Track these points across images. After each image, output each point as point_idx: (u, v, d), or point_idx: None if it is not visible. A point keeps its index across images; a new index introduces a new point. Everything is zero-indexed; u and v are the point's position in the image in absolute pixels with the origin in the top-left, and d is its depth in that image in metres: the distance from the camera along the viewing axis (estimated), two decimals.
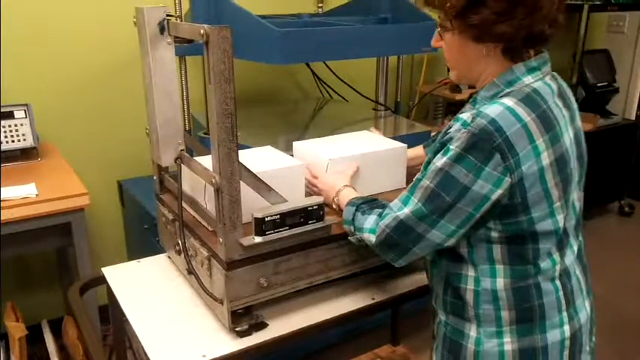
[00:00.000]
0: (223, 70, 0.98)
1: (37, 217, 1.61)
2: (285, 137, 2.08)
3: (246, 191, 1.10)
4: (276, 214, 1.10)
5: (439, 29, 1.07)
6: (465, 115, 0.98)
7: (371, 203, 1.17)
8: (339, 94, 2.80)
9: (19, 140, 1.89)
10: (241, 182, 1.07)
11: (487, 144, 0.94)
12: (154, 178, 1.41)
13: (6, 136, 1.87)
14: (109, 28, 2.24)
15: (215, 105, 1.00)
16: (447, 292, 1.12)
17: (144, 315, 1.24)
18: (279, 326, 1.21)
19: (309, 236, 1.16)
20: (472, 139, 0.95)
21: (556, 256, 1.07)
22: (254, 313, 1.20)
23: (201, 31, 0.97)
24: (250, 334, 1.17)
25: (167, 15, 1.12)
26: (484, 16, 0.97)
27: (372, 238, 1.09)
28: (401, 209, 1.04)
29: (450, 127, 1.00)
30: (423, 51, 2.35)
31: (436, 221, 1.01)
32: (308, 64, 2.71)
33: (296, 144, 1.50)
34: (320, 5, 2.77)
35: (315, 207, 1.14)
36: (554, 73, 1.09)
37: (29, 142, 1.91)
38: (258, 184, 1.11)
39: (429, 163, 1.04)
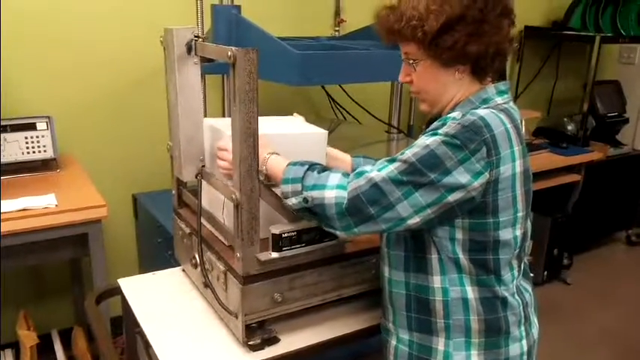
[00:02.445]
0: (248, 91, 1.02)
1: (56, 228, 1.64)
2: None
3: (263, 208, 1.13)
4: (293, 231, 1.13)
5: (410, 62, 1.10)
6: (453, 114, 1.03)
7: (322, 166, 1.12)
8: (352, 116, 2.84)
9: (39, 151, 1.94)
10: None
11: (477, 136, 0.98)
12: (173, 192, 1.44)
13: (27, 147, 1.92)
14: (130, 44, 2.31)
15: (239, 124, 1.04)
16: (410, 307, 1.12)
17: (158, 326, 1.27)
18: (291, 342, 1.23)
19: (323, 253, 1.19)
20: (463, 129, 0.99)
21: (515, 270, 1.11)
22: (267, 327, 1.22)
23: (229, 53, 1.02)
24: (263, 349, 1.19)
25: (195, 36, 1.17)
26: (456, 38, 1.02)
27: (338, 195, 1.02)
28: (376, 171, 1.02)
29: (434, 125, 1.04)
30: None
31: (410, 192, 1.00)
32: (323, 86, 2.76)
33: (205, 120, 1.31)
34: (337, 29, 2.83)
35: None
36: None
37: (49, 153, 1.95)
38: (276, 200, 1.14)
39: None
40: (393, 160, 1.03)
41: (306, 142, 1.28)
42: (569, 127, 3.65)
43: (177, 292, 1.42)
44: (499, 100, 1.09)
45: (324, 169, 1.10)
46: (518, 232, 1.08)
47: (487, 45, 1.03)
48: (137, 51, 2.32)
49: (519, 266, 1.14)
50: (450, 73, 1.08)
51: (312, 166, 1.10)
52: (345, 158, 1.38)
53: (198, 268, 1.28)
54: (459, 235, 1.05)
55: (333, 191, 1.03)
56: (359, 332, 1.30)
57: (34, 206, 1.65)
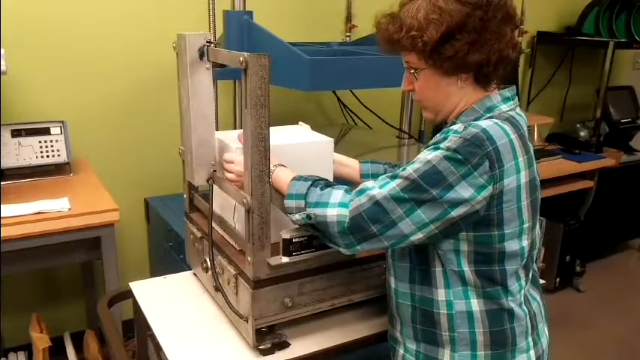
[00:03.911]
0: (260, 96, 1.03)
1: (69, 231, 1.66)
2: None
3: (273, 212, 1.14)
4: (304, 236, 1.13)
5: (412, 71, 1.08)
6: (455, 127, 1.02)
7: (326, 181, 1.12)
8: (363, 121, 2.85)
9: (53, 155, 1.96)
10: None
11: (479, 149, 0.97)
12: (184, 196, 1.45)
13: (42, 151, 1.94)
14: (143, 50, 2.33)
15: (250, 129, 1.04)
16: (416, 319, 1.11)
17: (169, 330, 1.28)
18: (301, 346, 1.23)
19: (333, 258, 1.19)
20: (465, 142, 0.97)
21: (522, 280, 1.09)
22: (277, 332, 1.23)
23: (241, 59, 1.02)
24: (273, 353, 1.20)
25: (207, 42, 1.18)
26: (457, 48, 1.01)
27: (340, 213, 1.02)
28: (378, 189, 1.01)
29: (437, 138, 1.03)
30: None
31: (412, 209, 0.99)
32: (334, 91, 2.76)
33: (216, 133, 1.32)
34: (348, 35, 2.84)
35: None
36: None
37: (63, 157, 1.98)
38: None
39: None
40: (394, 177, 1.02)
41: (313, 151, 1.28)
42: (582, 134, 3.63)
43: (189, 295, 1.43)
44: (504, 107, 1.07)
45: (328, 184, 1.09)
46: (525, 243, 1.06)
47: (489, 53, 1.02)
48: (150, 56, 2.34)
49: (527, 275, 1.12)
50: (452, 82, 1.06)
51: (315, 182, 1.09)
52: (352, 164, 1.37)
53: (209, 272, 1.29)
54: (463, 247, 1.04)
55: (335, 209, 1.03)
56: (368, 338, 1.30)
57: (48, 210, 1.67)
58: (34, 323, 2.02)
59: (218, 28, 2.09)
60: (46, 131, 1.95)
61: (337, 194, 1.05)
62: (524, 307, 1.10)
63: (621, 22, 3.63)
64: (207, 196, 1.29)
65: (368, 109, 2.77)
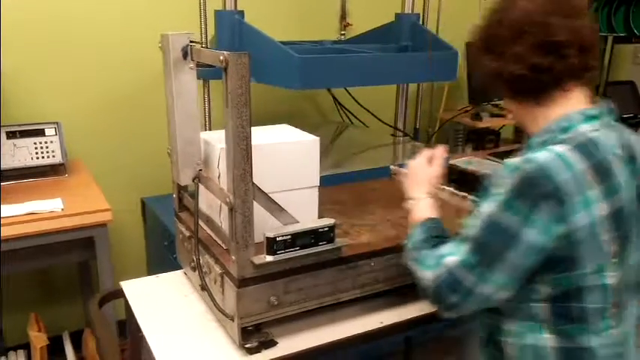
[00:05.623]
0: (240, 95, 1.03)
1: (61, 231, 1.67)
2: None
3: (259, 211, 1.14)
4: (287, 235, 1.13)
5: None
6: (513, 160, 0.97)
7: (441, 237, 1.11)
8: (359, 119, 2.84)
9: (48, 156, 1.97)
10: (255, 203, 1.11)
11: (535, 190, 0.92)
12: (174, 196, 1.46)
13: (37, 152, 1.96)
14: (137, 50, 2.34)
15: (231, 127, 1.05)
16: (488, 343, 1.10)
17: (158, 328, 1.28)
18: (288, 345, 1.23)
19: (319, 257, 1.19)
20: (520, 184, 0.93)
21: (611, 319, 1.00)
22: (264, 330, 1.23)
23: (221, 57, 1.03)
24: (259, 352, 1.20)
25: (191, 41, 1.18)
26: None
27: (426, 277, 1.05)
28: (451, 256, 1.01)
29: (495, 171, 1.00)
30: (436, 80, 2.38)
31: (484, 273, 0.97)
32: (329, 89, 2.76)
33: (201, 134, 1.32)
34: (342, 33, 2.83)
35: (325, 229, 1.17)
36: (619, 124, 1.07)
37: (58, 158, 1.99)
38: (271, 204, 1.14)
39: (485, 188, 1.02)
40: (464, 240, 1.01)
41: (298, 150, 1.27)
42: None
43: (178, 294, 1.44)
44: (584, 127, 0.99)
45: (440, 242, 1.08)
46: (610, 280, 0.97)
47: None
48: (144, 56, 2.35)
49: (623, 313, 1.02)
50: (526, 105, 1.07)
51: (430, 238, 1.10)
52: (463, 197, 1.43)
53: (197, 271, 1.30)
54: (543, 289, 0.98)
55: (425, 272, 1.05)
56: (357, 337, 1.30)
57: (40, 210, 1.68)
58: (32, 322, 2.04)
59: (210, 29, 2.10)
60: (40, 132, 1.97)
61: (431, 259, 1.05)
62: (618, 349, 1.02)
63: (620, 17, 3.60)
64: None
65: (363, 107, 2.77)
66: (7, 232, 1.60)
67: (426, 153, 1.33)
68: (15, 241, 1.61)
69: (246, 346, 1.19)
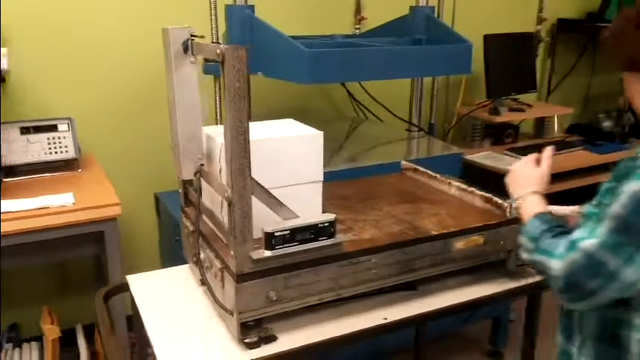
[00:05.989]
0: (238, 88, 1.02)
1: (72, 226, 1.69)
2: (326, 154, 2.11)
3: (260, 206, 1.13)
4: (286, 230, 1.12)
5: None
6: None
7: (562, 226, 1.06)
8: (374, 114, 2.82)
9: (61, 152, 2.00)
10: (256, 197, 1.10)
11: None
12: (179, 191, 1.46)
13: (50, 148, 1.98)
14: (149, 45, 2.34)
15: (229, 122, 1.04)
16: (602, 338, 1.04)
17: (160, 322, 1.29)
18: (289, 340, 1.22)
19: (319, 253, 1.18)
20: None
21: None
22: (264, 326, 1.22)
23: (218, 51, 1.02)
24: (259, 347, 1.19)
25: (191, 35, 1.18)
26: None
27: (557, 266, 0.97)
28: (587, 239, 0.94)
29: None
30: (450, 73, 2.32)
31: (632, 255, 0.90)
32: (343, 84, 2.74)
33: (204, 128, 1.31)
34: (357, 27, 2.81)
35: (326, 224, 1.16)
36: None
37: (71, 153, 2.01)
38: (270, 199, 1.14)
39: (608, 191, 0.99)
40: (602, 221, 0.95)
41: (302, 145, 1.26)
42: (606, 124, 3.52)
43: (183, 289, 1.44)
44: None
45: (564, 232, 1.02)
46: None
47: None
48: (156, 52, 2.34)
49: None
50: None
51: (551, 228, 1.05)
52: (570, 212, 1.30)
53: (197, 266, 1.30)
54: None
55: (557, 262, 0.97)
56: (359, 333, 1.28)
57: (51, 205, 1.70)
58: (45, 315, 2.07)
59: (222, 24, 2.10)
60: (53, 128, 1.99)
61: (561, 246, 0.99)
62: None
63: None
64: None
65: (377, 101, 2.74)
66: (19, 226, 1.62)
67: (533, 155, 1.31)
68: (26, 235, 1.64)
69: (246, 341, 1.19)
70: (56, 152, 1.99)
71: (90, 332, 2.30)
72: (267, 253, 1.12)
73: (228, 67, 1.01)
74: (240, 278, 1.13)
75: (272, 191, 1.18)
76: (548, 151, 1.30)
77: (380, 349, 2.25)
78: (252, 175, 1.10)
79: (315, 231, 1.15)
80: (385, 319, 1.31)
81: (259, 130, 1.30)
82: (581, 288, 0.95)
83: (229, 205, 1.09)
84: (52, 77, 2.22)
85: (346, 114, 2.91)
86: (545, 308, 1.60)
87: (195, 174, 1.27)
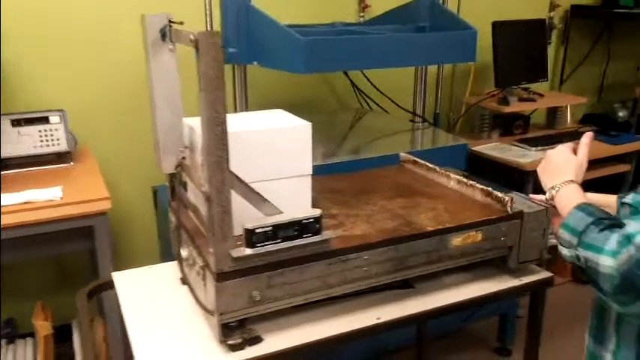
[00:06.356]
0: (213, 77, 0.96)
1: (60, 220, 1.64)
2: (320, 149, 2.06)
3: (243, 202, 1.07)
4: (268, 226, 1.06)
5: None
6: None
7: (610, 218, 0.96)
8: (378, 105, 2.74)
9: (53, 144, 1.95)
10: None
11: None
12: (166, 185, 1.41)
13: (41, 140, 1.94)
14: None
15: (204, 112, 0.98)
16: None
17: (142, 321, 1.24)
18: (275, 341, 1.17)
19: (304, 250, 1.12)
20: None
21: None
22: (248, 326, 1.17)
23: (191, 37, 0.95)
24: (243, 349, 1.14)
25: (170, 21, 1.12)
26: None
27: (609, 263, 0.87)
28: None
29: None
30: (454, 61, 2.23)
31: None
32: (346, 74, 2.67)
33: (184, 120, 1.25)
34: (361, 15, 2.73)
35: (311, 220, 1.10)
36: None
37: (63, 146, 1.97)
38: (251, 194, 1.07)
39: None
40: None
41: (289, 137, 1.19)
42: (621, 114, 3.40)
43: (170, 286, 1.39)
44: None
45: (614, 224, 0.93)
46: None
47: None
48: None
49: None
50: None
51: (598, 220, 0.94)
52: (608, 202, 1.20)
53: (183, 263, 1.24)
54: None
55: (608, 259, 0.88)
56: (351, 334, 1.22)
57: (38, 199, 1.65)
58: (38, 311, 2.04)
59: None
60: (45, 120, 1.95)
61: (612, 240, 0.89)
62: None
63: None
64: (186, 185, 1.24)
65: (380, 91, 2.67)
66: (5, 220, 1.58)
67: (569, 144, 1.22)
68: (13, 229, 1.60)
69: (229, 342, 1.13)
70: (48, 145, 1.95)
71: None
72: (248, 251, 1.06)
73: (203, 55, 0.95)
74: (220, 277, 1.07)
75: (257, 185, 1.12)
76: (587, 137, 1.20)
77: (381, 347, 2.19)
78: (235, 169, 1.04)
79: (299, 227, 1.09)
80: (378, 318, 1.25)
81: (244, 122, 1.24)
82: (637, 288, 0.86)
83: (207, 200, 1.03)
84: (50, 70, 2.19)
85: (350, 105, 2.84)
86: (550, 304, 1.52)
87: (176, 167, 1.21)
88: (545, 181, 1.17)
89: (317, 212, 1.11)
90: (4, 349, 2.11)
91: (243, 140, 1.13)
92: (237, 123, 1.21)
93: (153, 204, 2.49)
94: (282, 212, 1.10)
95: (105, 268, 1.74)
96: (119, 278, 1.43)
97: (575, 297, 2.83)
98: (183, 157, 1.20)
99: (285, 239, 1.08)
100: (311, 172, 1.25)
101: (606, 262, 0.88)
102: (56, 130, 1.95)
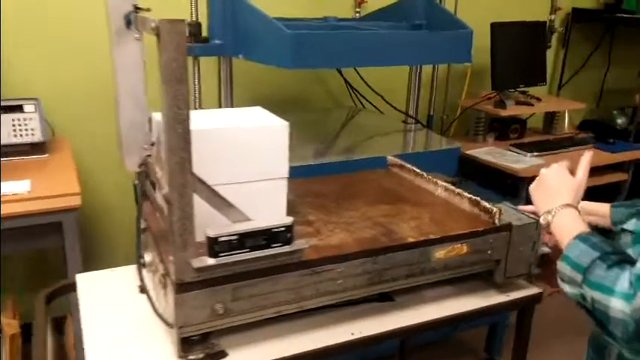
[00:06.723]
0: (175, 69, 0.87)
1: (26, 216, 1.56)
2: (310, 147, 1.98)
3: (203, 206, 0.99)
4: (233, 234, 0.98)
5: None
6: None
7: (617, 252, 0.87)
8: (372, 104, 2.66)
9: (27, 135, 1.87)
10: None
11: None
12: (133, 183, 1.32)
13: (15, 130, 1.85)
14: None
15: (166, 108, 0.89)
16: None
17: (100, 329, 1.15)
18: (241, 357, 1.09)
19: (274, 261, 1.03)
20: None
21: None
22: (211, 340, 1.08)
23: (153, 25, 0.87)
24: None
25: (135, 7, 1.03)
26: None
27: (621, 307, 0.79)
28: None
29: None
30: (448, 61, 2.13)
31: None
32: (340, 71, 2.58)
33: (153, 114, 1.13)
34: (357, 10, 2.64)
35: (281, 229, 1.01)
36: None
37: (37, 136, 1.88)
38: (216, 198, 0.99)
39: None
40: None
41: (263, 137, 1.11)
42: (620, 121, 3.32)
43: (134, 291, 1.30)
44: None
45: (622, 260, 0.84)
46: None
47: None
48: None
49: None
50: None
51: (605, 255, 0.85)
52: (600, 211, 1.16)
53: (145, 268, 1.16)
54: None
55: (620, 302, 0.79)
56: (324, 350, 1.14)
57: (4, 192, 1.57)
58: (7, 308, 1.96)
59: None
60: (18, 109, 1.86)
61: (623, 280, 0.80)
62: None
63: None
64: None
65: (374, 90, 2.58)
66: None
67: (564, 162, 1.12)
68: None
69: (190, 357, 1.05)
70: (22, 135, 1.86)
71: (61, 325, 2.19)
72: (211, 261, 0.98)
73: (165, 45, 0.86)
74: (180, 288, 0.99)
75: (227, 188, 1.03)
76: (587, 156, 1.12)
77: (362, 357, 2.11)
78: (202, 170, 0.96)
79: (268, 236, 1.00)
80: (352, 334, 1.17)
81: (217, 119, 1.16)
82: None
83: (167, 204, 0.94)
84: (25, 55, 2.09)
85: (344, 103, 2.76)
86: (541, 314, 1.44)
87: (140, 165, 1.12)
88: (539, 204, 1.08)
89: (288, 220, 1.02)
90: None
91: (212, 139, 1.05)
92: (209, 120, 1.13)
93: (134, 199, 2.40)
94: (250, 219, 1.02)
95: (74, 267, 1.66)
96: (83, 280, 1.35)
97: (566, 307, 2.75)
98: (148, 155, 1.12)
99: (252, 249, 1.00)
100: (287, 175, 1.17)
101: (618, 306, 0.79)
102: (30, 119, 1.86)
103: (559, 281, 0.92)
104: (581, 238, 0.91)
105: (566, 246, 0.92)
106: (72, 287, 1.36)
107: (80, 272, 1.62)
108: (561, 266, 0.91)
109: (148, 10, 1.02)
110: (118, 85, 1.07)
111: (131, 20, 1.04)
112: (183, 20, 0.87)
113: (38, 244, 1.75)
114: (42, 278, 2.35)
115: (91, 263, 1.82)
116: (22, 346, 1.88)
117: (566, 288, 0.90)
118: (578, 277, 0.87)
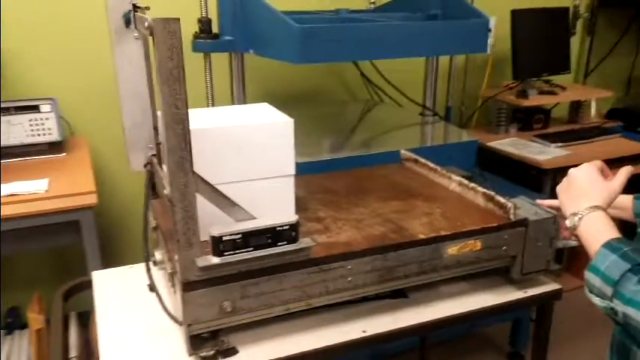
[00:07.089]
0: (172, 69, 0.87)
1: (44, 214, 1.58)
2: (326, 142, 1.96)
3: (207, 206, 0.99)
4: (237, 233, 0.97)
5: None
6: None
7: None
8: (389, 97, 2.62)
9: (44, 134, 1.90)
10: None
11: None
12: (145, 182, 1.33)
13: (32, 130, 1.88)
14: None
15: (164, 108, 0.89)
16: None
17: (115, 326, 1.17)
18: (251, 354, 1.08)
19: (280, 259, 1.02)
20: None
21: None
22: (221, 338, 1.08)
23: (146, 24, 0.86)
24: None
25: (134, 6, 1.02)
26: None
27: None
28: None
29: None
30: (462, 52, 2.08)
31: None
32: (356, 64, 2.55)
33: (159, 112, 1.12)
34: (372, 1, 2.60)
35: (285, 227, 1.00)
36: None
37: (55, 136, 1.91)
38: (219, 198, 0.98)
39: None
40: None
41: (267, 134, 1.09)
42: None
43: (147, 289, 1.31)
44: None
45: None
46: None
47: None
48: None
49: None
50: None
51: (637, 267, 0.81)
52: (622, 203, 1.09)
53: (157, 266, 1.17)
54: None
55: None
56: (335, 347, 1.13)
57: (22, 192, 1.60)
58: (33, 303, 2.00)
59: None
60: (35, 109, 1.89)
61: None
62: None
63: None
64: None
65: (389, 82, 2.55)
66: None
67: (596, 162, 1.06)
68: None
69: (201, 354, 1.05)
70: (39, 134, 1.89)
71: (86, 319, 2.22)
72: (215, 260, 0.97)
73: (160, 44, 0.86)
74: (187, 287, 0.98)
75: (232, 187, 1.03)
76: (629, 168, 1.04)
77: (381, 352, 2.09)
78: (206, 169, 0.96)
79: (273, 235, 0.99)
80: (364, 331, 1.15)
81: (220, 117, 1.15)
82: None
83: (170, 204, 0.94)
84: (41, 56, 2.12)
85: (360, 96, 2.73)
86: (566, 308, 1.39)
87: (145, 165, 1.13)
88: (566, 205, 1.02)
89: (293, 218, 1.01)
90: (3, 340, 2.09)
91: (215, 138, 1.04)
92: (213, 118, 1.12)
93: None
94: (254, 217, 1.01)
95: (93, 264, 1.68)
96: (99, 277, 1.37)
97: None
98: (154, 155, 1.12)
99: (257, 247, 0.99)
100: (294, 173, 1.16)
101: None
102: (47, 119, 1.89)
103: (587, 292, 0.87)
104: (610, 246, 0.85)
105: (595, 254, 0.87)
106: (89, 284, 1.37)
107: (99, 269, 1.65)
108: (590, 277, 0.86)
109: (147, 8, 1.02)
110: (120, 86, 1.07)
111: (130, 19, 1.04)
112: (177, 19, 0.86)
113: (57, 242, 1.78)
114: (68, 275, 2.39)
115: (111, 260, 1.84)
116: (48, 340, 1.92)
117: (595, 300, 0.85)
118: (609, 291, 0.82)
